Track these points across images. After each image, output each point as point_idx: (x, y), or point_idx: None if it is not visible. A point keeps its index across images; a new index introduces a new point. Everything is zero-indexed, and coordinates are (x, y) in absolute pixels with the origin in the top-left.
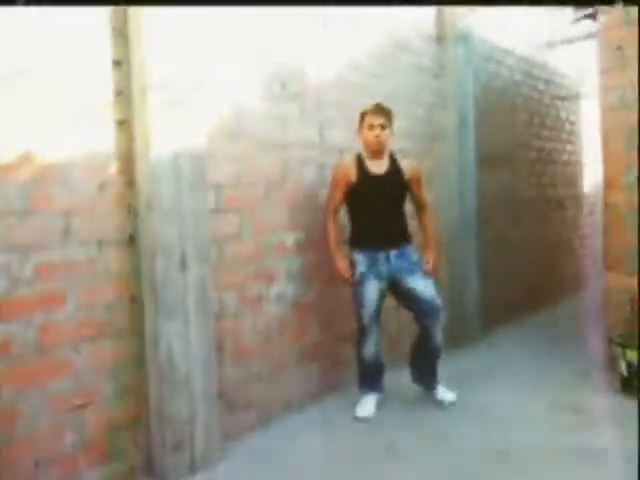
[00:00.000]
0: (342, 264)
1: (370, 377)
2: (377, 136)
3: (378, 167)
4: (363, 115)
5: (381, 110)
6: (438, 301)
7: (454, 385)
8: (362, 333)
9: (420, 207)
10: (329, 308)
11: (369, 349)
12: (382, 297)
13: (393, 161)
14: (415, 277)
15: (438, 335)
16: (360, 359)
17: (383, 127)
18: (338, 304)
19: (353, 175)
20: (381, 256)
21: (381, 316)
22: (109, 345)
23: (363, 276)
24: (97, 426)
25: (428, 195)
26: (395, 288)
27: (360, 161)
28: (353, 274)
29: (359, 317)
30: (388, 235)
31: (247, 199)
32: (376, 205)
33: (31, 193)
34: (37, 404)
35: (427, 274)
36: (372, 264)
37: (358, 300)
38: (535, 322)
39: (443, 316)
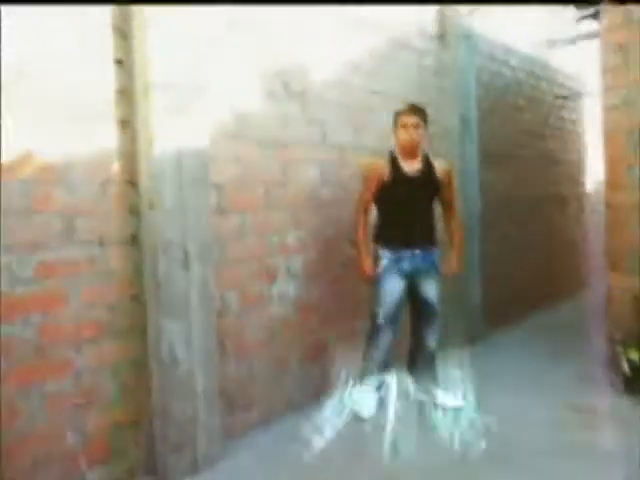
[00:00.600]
0: (368, 263)
1: (374, 377)
2: (410, 136)
3: (411, 167)
4: (397, 115)
5: (415, 110)
6: (437, 307)
7: (456, 384)
8: (376, 332)
9: (448, 209)
10: (331, 307)
11: (379, 350)
12: (402, 297)
13: (426, 161)
14: (428, 281)
15: (431, 339)
16: (368, 357)
17: (416, 127)
18: (340, 303)
19: (386, 174)
20: (406, 254)
21: (399, 318)
22: (110, 344)
23: (386, 273)
24: (98, 425)
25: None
26: (411, 287)
27: (394, 160)
28: (376, 271)
29: (375, 315)
30: (415, 234)
31: (249, 198)
32: (406, 204)
33: (32, 192)
34: (37, 403)
35: (440, 276)
36: (396, 261)
37: (377, 298)
38: (538, 321)
39: (438, 323)
